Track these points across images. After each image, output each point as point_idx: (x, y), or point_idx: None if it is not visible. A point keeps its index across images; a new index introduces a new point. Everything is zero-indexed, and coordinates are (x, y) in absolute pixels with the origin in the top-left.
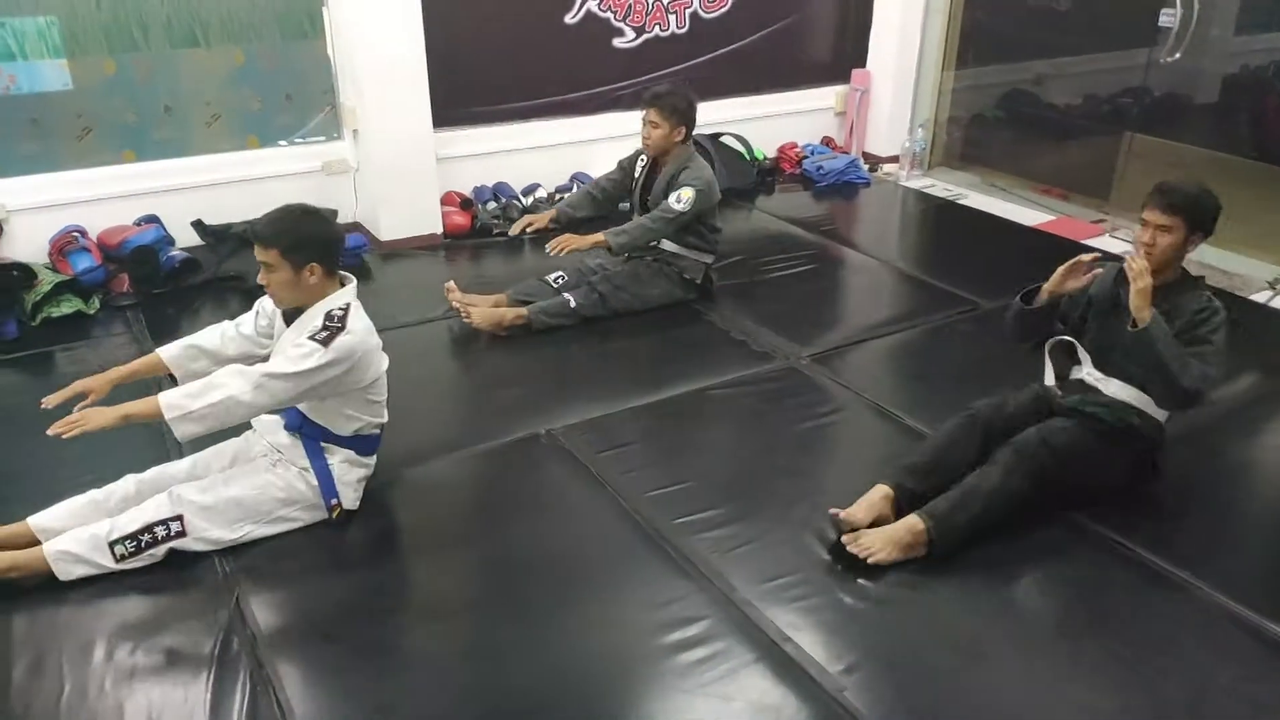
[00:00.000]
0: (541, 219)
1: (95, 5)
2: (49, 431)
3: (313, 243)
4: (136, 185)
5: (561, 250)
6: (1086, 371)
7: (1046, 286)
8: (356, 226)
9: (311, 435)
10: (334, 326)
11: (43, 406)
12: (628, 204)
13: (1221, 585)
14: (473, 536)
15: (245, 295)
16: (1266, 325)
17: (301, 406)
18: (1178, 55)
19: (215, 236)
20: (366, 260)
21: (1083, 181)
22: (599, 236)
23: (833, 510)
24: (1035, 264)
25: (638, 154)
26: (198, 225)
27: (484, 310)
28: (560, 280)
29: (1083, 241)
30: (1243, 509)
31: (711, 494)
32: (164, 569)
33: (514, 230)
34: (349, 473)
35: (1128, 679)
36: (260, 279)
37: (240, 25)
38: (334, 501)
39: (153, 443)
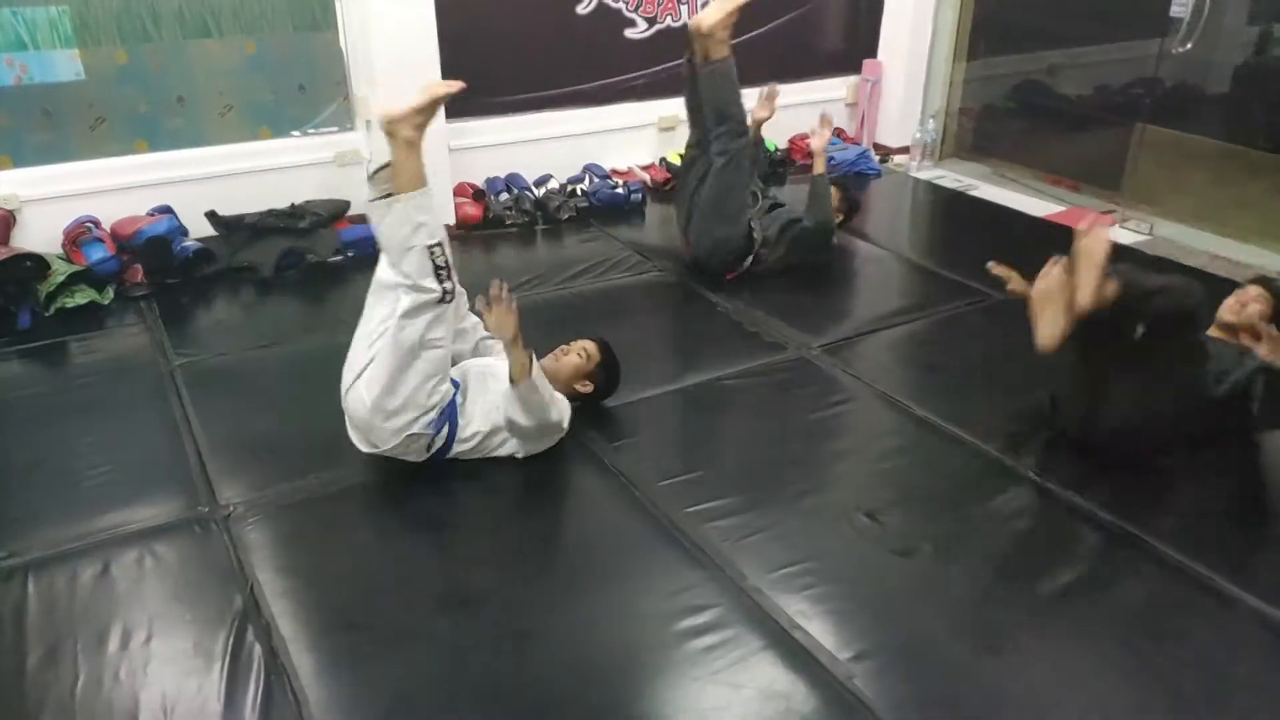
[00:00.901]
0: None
1: None
2: (493, 300)
3: (613, 383)
4: (149, 176)
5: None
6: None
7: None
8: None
9: (449, 410)
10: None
11: None
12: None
13: (1237, 578)
14: (488, 525)
15: (259, 286)
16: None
17: (471, 402)
18: (1189, 45)
19: (228, 227)
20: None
21: (1094, 172)
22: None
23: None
24: (1045, 255)
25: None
26: (211, 216)
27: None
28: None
29: None
30: (1256, 500)
31: (723, 483)
32: (176, 554)
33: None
34: (424, 433)
35: (1144, 672)
36: (582, 354)
37: (252, 15)
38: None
39: (169, 432)
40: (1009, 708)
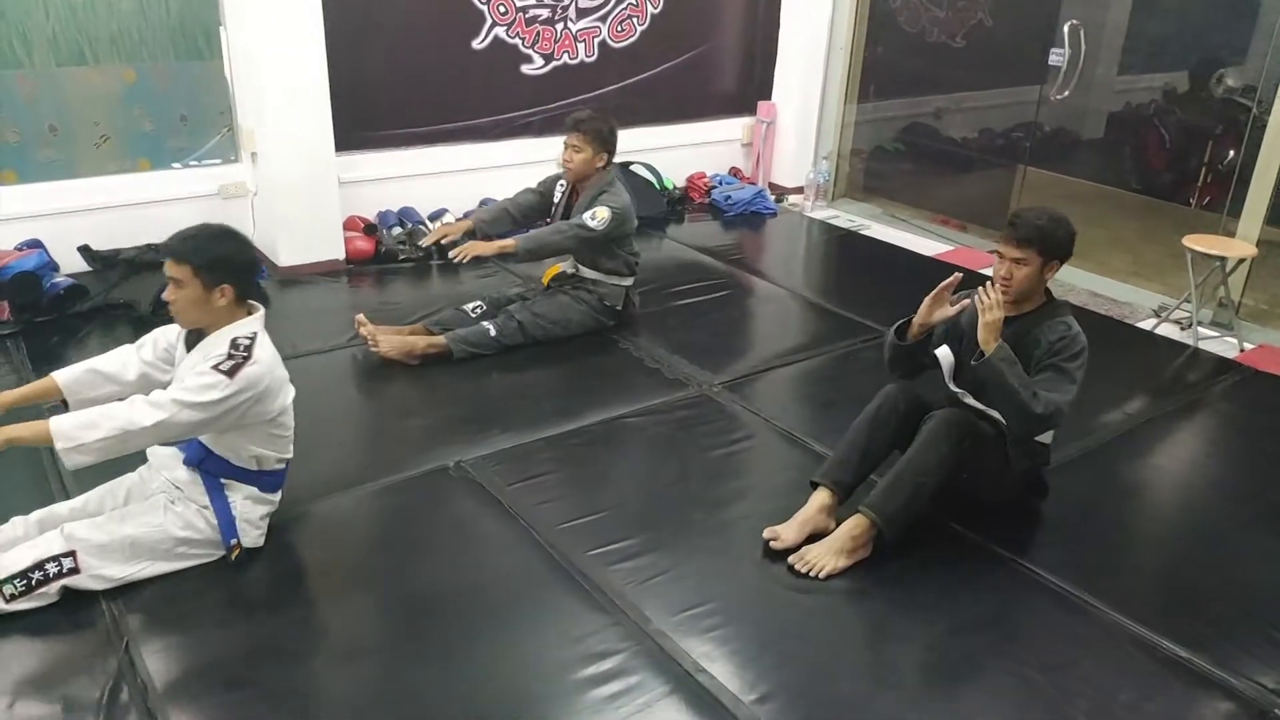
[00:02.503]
0: (457, 229)
1: None
2: None
3: (227, 264)
4: (18, 208)
5: (465, 257)
6: (970, 402)
7: (915, 319)
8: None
9: (211, 470)
10: (240, 356)
11: None
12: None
13: (1118, 604)
14: (380, 574)
15: (135, 323)
16: (1153, 351)
17: (204, 438)
18: (1067, 93)
19: (103, 262)
20: (264, 287)
21: (979, 213)
22: (507, 242)
23: (767, 532)
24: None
25: (556, 178)
26: (85, 251)
27: (393, 339)
28: (479, 309)
29: (980, 270)
30: (1134, 529)
31: (625, 524)
32: (46, 613)
33: (428, 241)
34: (252, 510)
35: (1034, 701)
36: (167, 295)
37: (132, 43)
38: (233, 542)
39: (38, 481)
40: None
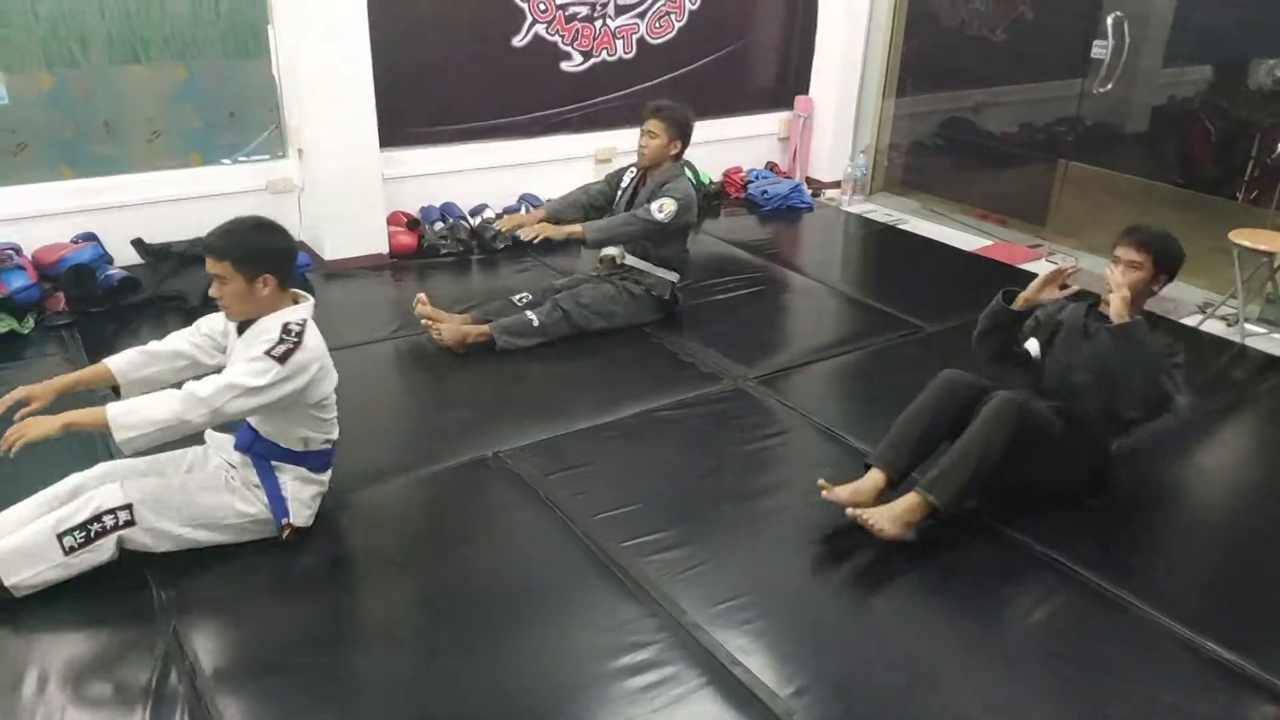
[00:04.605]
0: (531, 218)
1: (33, 19)
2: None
3: (265, 254)
4: (74, 202)
5: (537, 237)
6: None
7: (1024, 294)
8: (300, 246)
9: (261, 453)
10: (291, 341)
11: None
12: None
13: (1161, 605)
14: (419, 562)
15: (186, 315)
16: (1199, 348)
17: (252, 422)
18: (1109, 86)
19: (156, 255)
20: (310, 280)
21: (1020, 207)
22: (575, 228)
23: (821, 481)
24: (975, 288)
25: (625, 169)
26: (137, 244)
27: (452, 326)
28: (524, 299)
29: (1020, 266)
30: (1178, 529)
31: (661, 516)
32: (97, 596)
33: (503, 226)
34: (302, 490)
35: (1073, 700)
36: (213, 292)
37: (183, 42)
38: (284, 521)
39: (84, 445)
40: None
